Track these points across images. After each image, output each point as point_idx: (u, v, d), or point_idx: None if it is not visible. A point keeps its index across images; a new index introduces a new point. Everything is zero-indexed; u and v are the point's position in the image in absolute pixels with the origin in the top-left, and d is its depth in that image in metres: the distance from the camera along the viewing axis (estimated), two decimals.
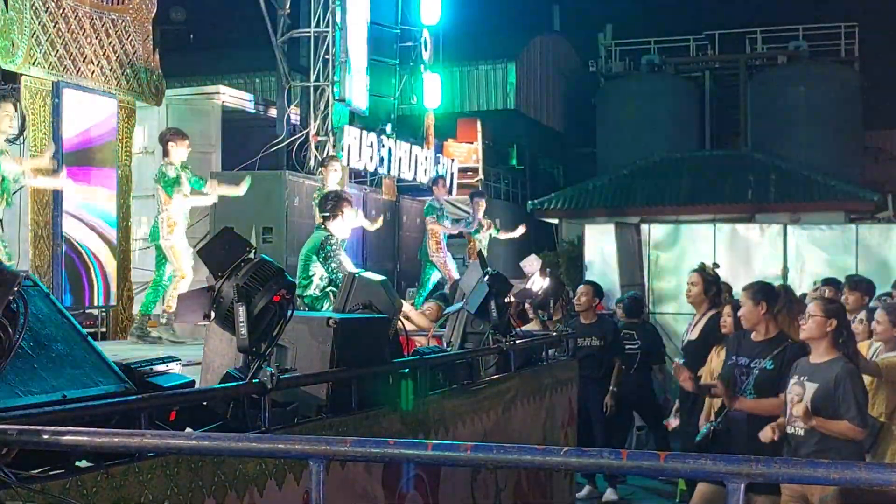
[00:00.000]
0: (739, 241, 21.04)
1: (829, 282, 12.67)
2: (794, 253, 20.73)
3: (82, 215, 12.60)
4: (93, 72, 12.88)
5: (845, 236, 21.03)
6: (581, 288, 12.75)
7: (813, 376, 7.22)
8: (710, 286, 10.16)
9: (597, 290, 12.79)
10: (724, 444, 8.07)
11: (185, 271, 11.56)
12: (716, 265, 13.63)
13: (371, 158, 18.52)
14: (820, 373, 7.21)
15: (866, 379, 8.10)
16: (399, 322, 7.18)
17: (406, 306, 9.73)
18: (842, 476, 2.41)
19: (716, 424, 8.28)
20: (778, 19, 37.82)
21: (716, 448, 8.08)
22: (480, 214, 17.34)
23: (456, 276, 16.32)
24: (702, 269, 11.08)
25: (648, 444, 14.25)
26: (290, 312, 5.03)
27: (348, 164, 17.68)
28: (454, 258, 17.04)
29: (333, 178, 13.75)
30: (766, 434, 7.48)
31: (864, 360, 8.12)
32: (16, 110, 11.58)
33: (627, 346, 12.90)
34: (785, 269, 20.50)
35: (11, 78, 12.16)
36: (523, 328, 10.90)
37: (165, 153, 11.70)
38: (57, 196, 12.07)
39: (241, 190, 12.23)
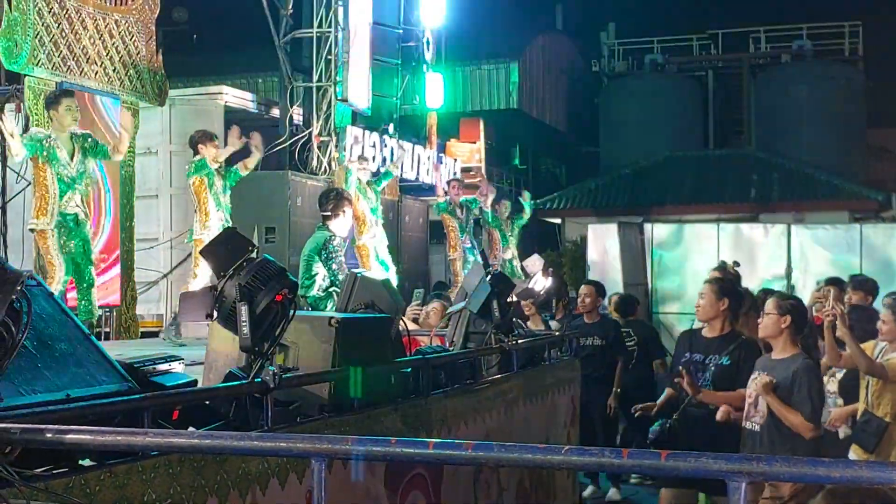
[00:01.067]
0: (743, 241, 21.05)
1: (832, 281, 12.66)
2: (797, 252, 20.74)
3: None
4: (96, 72, 12.90)
5: (849, 236, 21.04)
6: (584, 288, 12.71)
7: (772, 371, 7.29)
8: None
9: (599, 290, 12.77)
10: (682, 440, 8.08)
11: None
12: (736, 263, 13.67)
13: (373, 158, 18.53)
14: (779, 368, 7.27)
15: (871, 379, 8.11)
16: (401, 322, 7.19)
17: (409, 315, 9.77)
18: (844, 474, 2.41)
19: (671, 421, 8.29)
20: (781, 18, 37.80)
21: (673, 445, 8.09)
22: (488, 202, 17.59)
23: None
24: (722, 268, 11.09)
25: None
26: (292, 312, 5.04)
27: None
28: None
29: (363, 173, 13.93)
30: (722, 414, 7.56)
31: (870, 361, 8.12)
32: (19, 111, 11.67)
33: (626, 343, 12.94)
34: (789, 269, 20.52)
35: (15, 78, 12.18)
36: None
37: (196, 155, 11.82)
38: None
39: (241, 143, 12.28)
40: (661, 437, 8.34)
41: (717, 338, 8.10)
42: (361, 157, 15.23)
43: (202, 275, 11.61)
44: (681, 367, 8.10)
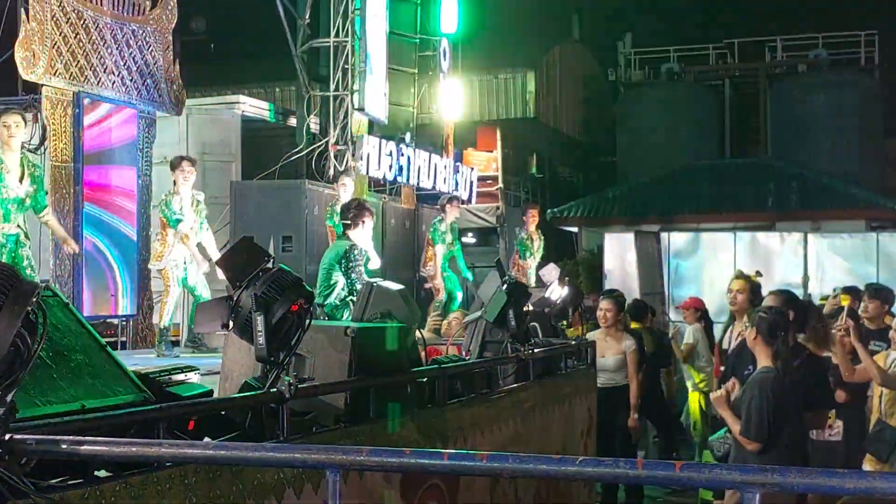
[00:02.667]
0: (760, 250, 21.01)
1: (848, 290, 12.62)
2: (814, 261, 20.69)
3: (103, 225, 12.67)
4: (113, 82, 12.95)
5: (866, 244, 20.99)
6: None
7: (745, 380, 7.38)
8: (757, 295, 9.96)
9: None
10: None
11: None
12: (759, 273, 13.59)
13: (390, 167, 18.53)
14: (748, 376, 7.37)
15: (884, 389, 8.09)
16: (417, 331, 7.19)
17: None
18: (857, 485, 2.41)
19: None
20: (798, 27, 37.73)
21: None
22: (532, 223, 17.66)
23: (443, 295, 16.42)
24: (747, 277, 10.99)
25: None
26: (308, 322, 5.04)
27: (367, 173, 17.71)
28: (480, 266, 17.10)
29: (346, 194, 13.96)
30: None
31: (884, 373, 8.09)
32: (30, 121, 11.72)
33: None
34: (805, 278, 20.46)
35: (32, 88, 12.23)
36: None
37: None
38: (77, 206, 12.15)
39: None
40: (725, 457, 8.22)
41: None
42: (343, 173, 15.43)
43: (176, 288, 11.76)
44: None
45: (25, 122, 10.35)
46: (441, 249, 16.52)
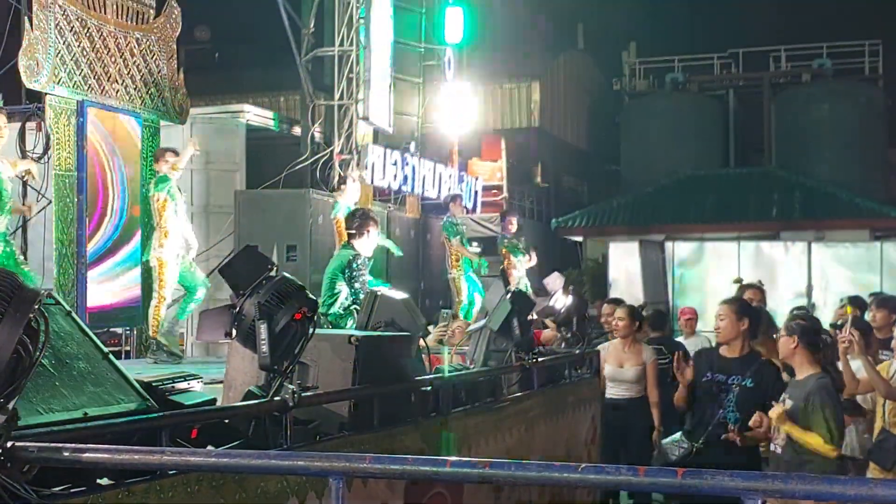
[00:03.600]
0: (764, 259, 21.03)
1: (853, 300, 12.61)
2: (818, 271, 20.70)
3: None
4: (117, 91, 12.96)
5: (870, 254, 21.00)
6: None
7: (791, 394, 7.25)
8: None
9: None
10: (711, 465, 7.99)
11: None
12: (760, 283, 13.53)
13: (395, 177, 18.55)
14: (796, 390, 7.25)
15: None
16: (421, 340, 7.19)
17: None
18: (858, 492, 2.41)
19: (697, 445, 8.17)
20: (801, 37, 37.76)
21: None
22: (512, 230, 17.51)
23: (465, 296, 16.40)
24: (750, 287, 10.94)
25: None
26: (311, 330, 5.04)
27: (372, 183, 17.72)
28: (490, 276, 17.03)
29: (352, 194, 13.85)
30: (755, 421, 7.47)
31: (888, 386, 8.08)
32: (33, 129, 11.74)
33: (660, 362, 12.41)
34: (809, 287, 20.47)
35: (36, 97, 12.24)
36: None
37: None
38: (81, 214, 12.15)
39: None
40: (684, 462, 8.24)
41: (738, 358, 8.01)
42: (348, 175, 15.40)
43: (168, 295, 11.81)
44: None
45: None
46: (457, 242, 16.53)
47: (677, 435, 8.38)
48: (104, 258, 12.55)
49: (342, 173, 17.07)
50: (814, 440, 7.03)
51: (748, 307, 8.54)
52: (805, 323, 7.57)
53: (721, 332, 8.06)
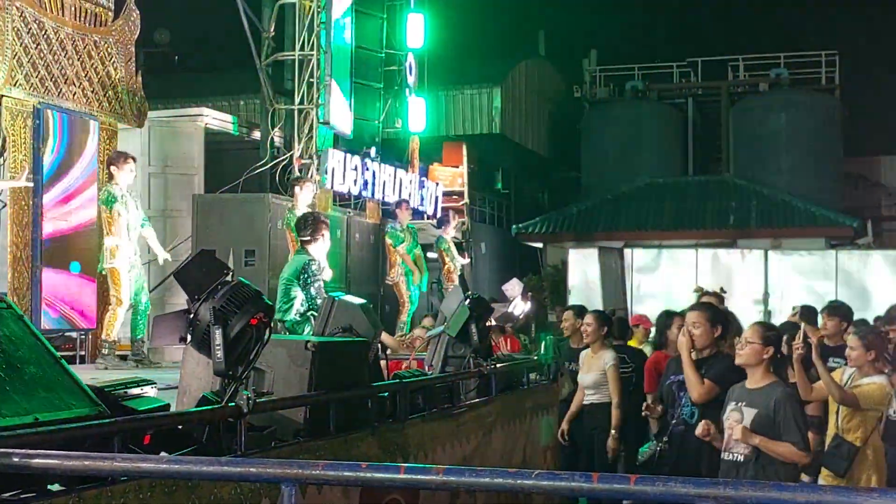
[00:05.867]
0: (721, 267, 21.17)
1: (806, 310, 12.73)
2: (775, 278, 20.86)
3: (64, 237, 12.59)
4: (74, 93, 12.86)
5: (825, 262, 21.19)
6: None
7: (751, 402, 7.23)
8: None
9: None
10: (670, 464, 8.04)
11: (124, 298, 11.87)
12: (723, 290, 13.56)
13: (355, 182, 18.50)
14: (757, 398, 7.21)
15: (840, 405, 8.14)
16: (379, 346, 7.17)
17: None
18: (808, 499, 2.41)
19: (661, 445, 8.22)
20: (759, 47, 38.03)
21: (661, 469, 8.09)
22: (451, 227, 17.50)
23: (407, 298, 16.37)
24: (709, 293, 10.92)
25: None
26: (267, 335, 5.02)
27: (332, 188, 17.68)
28: (431, 282, 17.04)
29: (305, 198, 13.76)
30: (702, 429, 7.46)
31: (842, 391, 8.14)
32: None
33: (622, 370, 12.28)
34: (766, 295, 20.62)
35: None
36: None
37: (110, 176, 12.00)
38: (36, 218, 12.05)
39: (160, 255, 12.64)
40: (651, 461, 8.28)
41: (701, 360, 7.99)
42: (301, 178, 15.31)
43: (126, 300, 11.78)
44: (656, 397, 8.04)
45: None
46: (402, 250, 16.47)
47: (651, 442, 8.41)
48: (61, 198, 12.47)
49: (294, 182, 17.05)
50: (785, 449, 7.04)
51: (720, 313, 8.53)
52: (778, 333, 7.58)
53: (696, 339, 8.01)
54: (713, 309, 8.74)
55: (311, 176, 16.83)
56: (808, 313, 12.49)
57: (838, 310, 10.85)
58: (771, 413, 7.09)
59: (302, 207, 13.40)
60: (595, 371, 10.95)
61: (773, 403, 7.11)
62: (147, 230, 12.40)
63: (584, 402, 10.90)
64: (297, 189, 13.94)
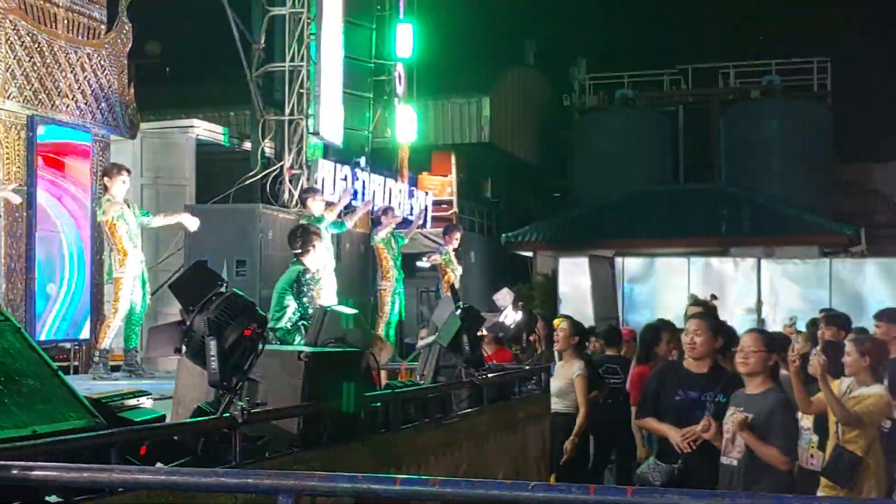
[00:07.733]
0: (713, 275, 21.17)
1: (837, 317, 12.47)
2: (767, 286, 20.85)
3: (57, 247, 12.60)
4: (67, 105, 12.88)
5: (819, 270, 21.18)
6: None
7: (748, 406, 7.26)
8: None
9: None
10: (691, 483, 7.98)
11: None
12: (714, 297, 13.55)
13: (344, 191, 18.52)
14: (754, 403, 7.25)
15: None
16: (371, 356, 7.18)
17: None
18: None
19: (678, 466, 8.02)
20: (750, 54, 38.05)
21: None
22: (453, 245, 17.45)
23: (387, 311, 16.32)
24: (703, 303, 10.91)
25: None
26: (261, 346, 5.04)
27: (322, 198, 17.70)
28: (429, 290, 17.02)
29: (316, 210, 13.87)
30: (702, 426, 7.49)
31: (845, 411, 8.06)
32: None
33: (612, 381, 12.01)
34: (759, 303, 20.62)
35: None
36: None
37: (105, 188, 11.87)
38: (31, 229, 12.06)
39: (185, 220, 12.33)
40: (672, 482, 8.12)
41: (706, 374, 7.92)
42: (313, 189, 15.34)
43: (122, 309, 11.67)
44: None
45: None
46: (390, 254, 16.43)
47: (650, 460, 8.30)
48: None
49: (293, 191, 17.04)
50: (770, 451, 7.08)
51: (721, 324, 8.51)
52: (774, 339, 7.62)
53: (696, 348, 7.92)
54: (716, 319, 8.74)
55: (322, 190, 16.81)
56: (840, 320, 11.59)
57: (836, 318, 10.85)
58: (765, 418, 7.15)
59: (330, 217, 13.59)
60: (562, 379, 11.02)
61: (768, 408, 7.17)
62: (153, 220, 12.32)
63: (556, 411, 10.93)
64: (308, 201, 14.03)
